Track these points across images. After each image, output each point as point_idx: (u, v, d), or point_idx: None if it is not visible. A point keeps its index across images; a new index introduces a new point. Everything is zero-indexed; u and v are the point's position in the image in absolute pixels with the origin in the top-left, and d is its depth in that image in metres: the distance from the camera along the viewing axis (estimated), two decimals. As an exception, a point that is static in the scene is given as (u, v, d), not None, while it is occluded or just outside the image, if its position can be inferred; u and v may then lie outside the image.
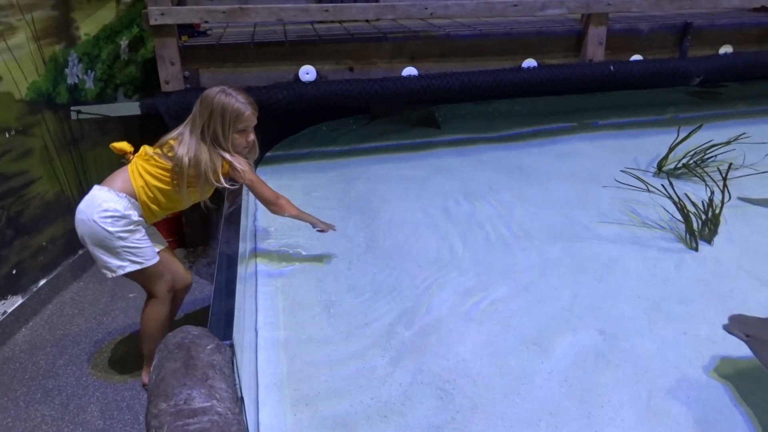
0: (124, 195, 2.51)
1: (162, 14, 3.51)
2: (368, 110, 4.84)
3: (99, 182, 2.60)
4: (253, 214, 3.31)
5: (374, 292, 2.66)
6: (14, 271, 3.33)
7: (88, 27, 3.92)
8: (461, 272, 2.78)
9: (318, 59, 3.99)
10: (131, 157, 2.62)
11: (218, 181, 2.55)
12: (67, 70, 3.73)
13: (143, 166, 2.55)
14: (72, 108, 3.62)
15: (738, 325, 2.12)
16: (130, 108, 3.67)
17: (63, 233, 3.71)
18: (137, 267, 2.59)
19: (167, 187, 2.55)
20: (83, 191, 3.87)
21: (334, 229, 2.89)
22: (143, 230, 2.60)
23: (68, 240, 3.76)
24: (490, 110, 4.94)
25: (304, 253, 2.96)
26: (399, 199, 3.50)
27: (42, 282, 3.55)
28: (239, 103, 2.51)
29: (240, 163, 2.58)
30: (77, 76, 3.83)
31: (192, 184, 2.55)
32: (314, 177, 3.85)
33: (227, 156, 2.54)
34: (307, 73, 3.89)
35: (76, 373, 3.02)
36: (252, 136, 2.62)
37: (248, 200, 3.20)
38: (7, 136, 3.26)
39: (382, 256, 2.93)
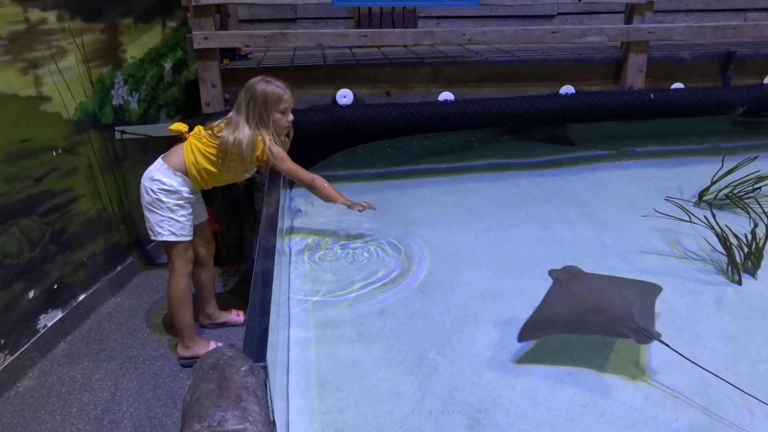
0: (180, 174, 2.91)
1: (205, 38, 3.60)
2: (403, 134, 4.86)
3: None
4: (288, 234, 3.34)
5: (406, 317, 2.65)
6: (55, 286, 3.41)
7: (134, 50, 4.05)
8: (495, 299, 2.75)
9: (355, 83, 4.04)
10: (187, 135, 2.99)
11: (257, 159, 2.91)
12: (113, 92, 3.84)
13: (196, 145, 2.92)
14: (116, 128, 3.73)
15: (559, 272, 2.55)
16: (172, 129, 3.76)
17: (103, 249, 3.80)
18: (173, 238, 2.97)
19: (212, 168, 2.91)
20: (124, 209, 3.98)
21: (374, 209, 3.21)
22: (190, 208, 3.00)
23: (108, 256, 3.85)
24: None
25: (337, 274, 2.97)
26: (434, 223, 3.50)
27: (81, 297, 3.63)
28: (279, 87, 2.91)
29: (278, 151, 2.94)
30: (122, 97, 3.94)
31: (233, 161, 2.87)
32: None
33: (267, 140, 2.88)
34: (345, 96, 3.94)
35: (111, 388, 3.06)
36: (291, 117, 3.01)
37: (284, 219, 3.24)
38: (54, 154, 3.37)
39: (415, 281, 2.92)
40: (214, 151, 2.89)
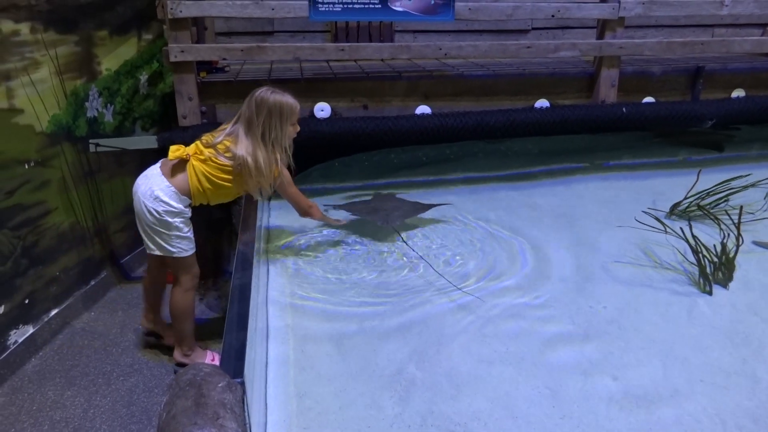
0: (184, 197, 2.84)
1: (182, 51, 3.59)
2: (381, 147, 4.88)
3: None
4: (264, 249, 3.32)
5: (385, 330, 2.65)
6: (27, 301, 3.35)
7: (109, 62, 4.01)
8: (471, 311, 2.76)
9: (333, 96, 4.05)
10: (188, 156, 2.83)
11: (272, 179, 2.87)
12: (87, 104, 3.80)
13: (200, 169, 2.81)
14: (90, 141, 3.69)
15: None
16: (148, 141, 3.73)
17: (76, 263, 3.74)
18: (183, 254, 2.92)
19: (217, 191, 2.86)
20: (98, 222, 3.93)
21: (341, 222, 3.52)
22: (191, 225, 2.94)
23: (81, 270, 3.79)
24: (503, 149, 4.97)
25: (315, 288, 2.96)
26: (409, 235, 3.51)
27: (53, 312, 3.56)
28: (291, 98, 2.84)
29: (287, 175, 2.98)
30: (97, 110, 3.90)
31: (250, 184, 2.85)
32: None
33: (279, 161, 2.86)
34: (322, 110, 3.94)
35: (84, 405, 3.01)
36: (299, 127, 2.99)
37: (260, 233, 3.22)
38: (27, 167, 3.32)
39: (394, 294, 2.93)
40: (223, 176, 2.81)
